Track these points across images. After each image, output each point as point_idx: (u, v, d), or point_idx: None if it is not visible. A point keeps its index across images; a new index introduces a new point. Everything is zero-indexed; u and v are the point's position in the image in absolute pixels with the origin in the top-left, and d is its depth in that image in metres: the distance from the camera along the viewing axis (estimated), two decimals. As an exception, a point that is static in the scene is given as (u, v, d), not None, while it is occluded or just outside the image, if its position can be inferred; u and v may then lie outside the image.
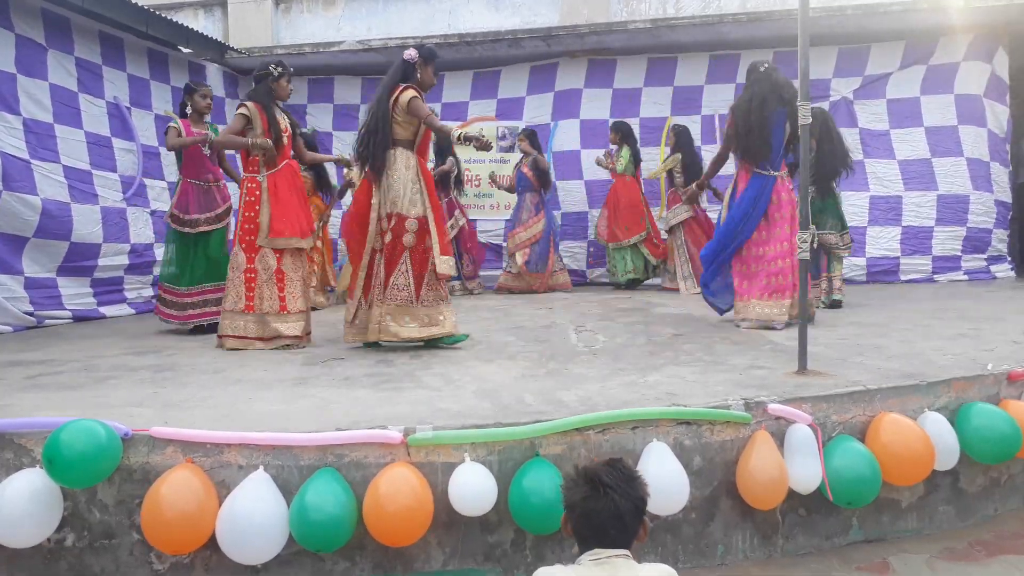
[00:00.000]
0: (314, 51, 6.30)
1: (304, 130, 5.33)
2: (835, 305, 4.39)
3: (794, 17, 2.69)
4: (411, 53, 3.22)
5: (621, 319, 4.11)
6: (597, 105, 6.41)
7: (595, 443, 1.97)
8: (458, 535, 1.91)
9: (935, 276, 5.85)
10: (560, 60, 6.48)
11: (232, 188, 4.34)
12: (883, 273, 5.91)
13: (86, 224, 4.74)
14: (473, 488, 1.83)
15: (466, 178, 6.33)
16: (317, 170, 5.18)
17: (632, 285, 5.93)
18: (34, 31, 4.54)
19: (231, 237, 4.29)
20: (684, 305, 4.69)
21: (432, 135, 3.39)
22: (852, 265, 5.84)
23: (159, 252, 5.40)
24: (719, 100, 6.24)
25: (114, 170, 5.10)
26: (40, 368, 2.97)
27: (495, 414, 2.05)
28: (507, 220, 6.13)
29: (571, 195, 6.47)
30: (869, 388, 2.20)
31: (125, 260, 5.09)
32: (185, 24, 5.96)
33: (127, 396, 2.40)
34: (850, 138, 5.82)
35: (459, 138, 3.07)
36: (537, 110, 6.51)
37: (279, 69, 3.50)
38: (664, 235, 5.93)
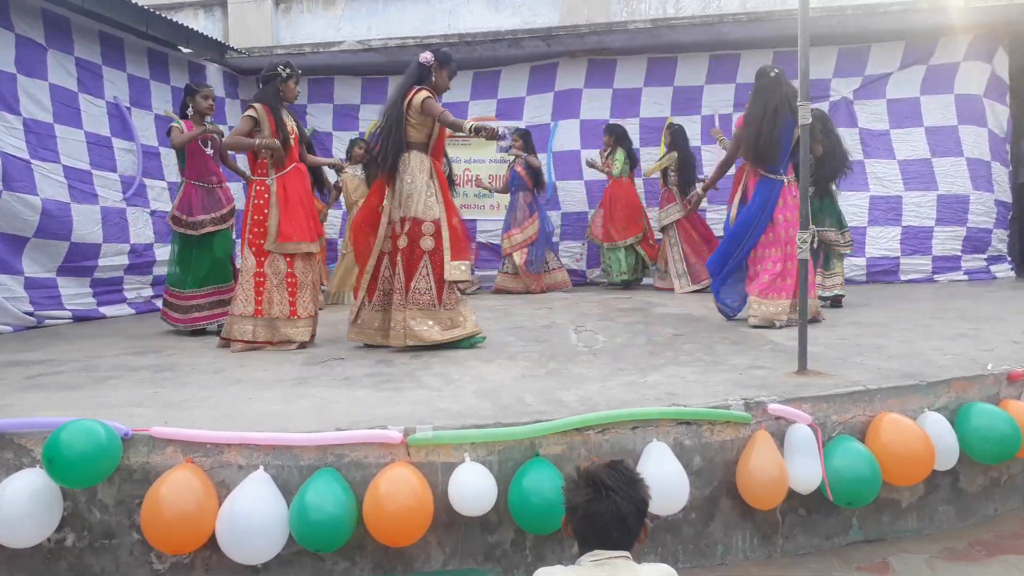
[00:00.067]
0: (314, 51, 6.30)
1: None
2: (837, 302, 4.39)
3: (794, 17, 2.70)
4: (427, 56, 3.21)
5: (621, 319, 4.11)
6: (597, 105, 6.41)
7: (595, 443, 1.97)
8: (458, 535, 1.91)
9: (935, 276, 5.85)
10: (560, 60, 6.48)
11: (235, 188, 4.34)
12: (883, 273, 5.92)
13: (86, 224, 4.74)
14: (473, 488, 1.83)
15: (467, 178, 6.33)
16: (314, 170, 5.19)
17: (628, 285, 5.94)
18: (34, 31, 4.54)
19: (235, 238, 4.30)
20: (684, 305, 4.69)
21: (446, 137, 3.38)
22: (852, 265, 5.85)
23: (159, 252, 5.40)
24: (719, 100, 6.24)
25: (114, 170, 5.10)
26: (40, 368, 2.97)
27: (495, 414, 2.05)
28: (503, 220, 6.13)
29: (571, 195, 6.47)
30: (869, 388, 2.20)
31: (125, 260, 5.08)
32: (185, 24, 5.95)
33: (127, 396, 2.40)
34: (850, 138, 5.83)
35: (471, 130, 3.04)
36: (537, 110, 6.51)
37: (287, 70, 3.47)
38: (657, 235, 5.94)
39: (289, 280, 3.37)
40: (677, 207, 5.71)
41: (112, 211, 5.00)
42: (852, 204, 5.89)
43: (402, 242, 3.15)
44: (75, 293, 4.74)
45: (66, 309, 4.63)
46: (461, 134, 3.28)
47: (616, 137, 5.87)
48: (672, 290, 5.65)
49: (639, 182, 6.16)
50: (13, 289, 4.32)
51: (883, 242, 5.94)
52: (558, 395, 2.27)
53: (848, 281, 4.82)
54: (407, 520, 1.78)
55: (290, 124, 3.51)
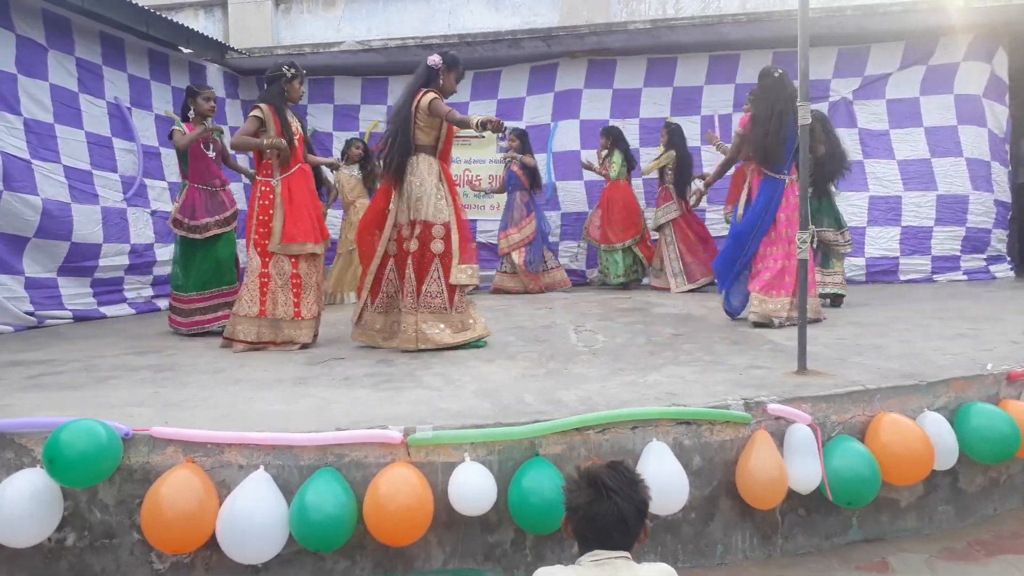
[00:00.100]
0: (314, 51, 6.30)
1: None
2: (836, 301, 4.40)
3: (794, 18, 2.70)
4: (435, 59, 3.21)
5: (621, 319, 4.12)
6: (597, 105, 6.42)
7: (595, 443, 1.97)
8: (458, 535, 1.92)
9: (934, 276, 5.86)
10: (560, 60, 6.48)
11: (235, 188, 4.33)
12: (882, 273, 5.92)
13: (86, 224, 4.74)
14: (472, 488, 1.83)
15: (467, 178, 6.34)
16: (314, 170, 5.18)
17: (626, 286, 5.95)
18: (35, 31, 4.54)
19: (238, 239, 4.28)
20: (684, 305, 4.69)
21: (454, 140, 3.37)
22: (851, 265, 5.85)
23: (159, 252, 5.41)
24: (718, 100, 6.25)
25: (115, 170, 5.10)
26: (41, 368, 2.97)
27: (495, 414, 2.05)
28: (499, 220, 6.13)
29: (571, 195, 6.48)
30: (868, 388, 2.21)
31: (125, 260, 5.09)
32: (185, 24, 5.96)
33: (127, 396, 2.40)
34: (849, 138, 5.84)
35: (478, 125, 3.02)
36: (537, 110, 6.52)
37: (292, 70, 3.46)
38: (653, 234, 5.96)
39: (294, 281, 3.36)
40: (674, 205, 5.73)
41: (113, 211, 5.01)
42: (852, 204, 5.90)
43: (412, 245, 3.14)
44: (76, 293, 4.75)
45: (67, 309, 4.63)
46: (469, 132, 3.25)
47: (613, 139, 5.89)
48: (668, 289, 5.67)
49: (639, 182, 6.17)
50: (14, 289, 4.33)
51: (882, 242, 5.95)
52: (558, 395, 2.28)
53: (847, 281, 4.83)
54: (407, 520, 1.78)
55: (294, 125, 3.51)
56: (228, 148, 4.20)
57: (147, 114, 5.48)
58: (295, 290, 3.35)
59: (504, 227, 5.93)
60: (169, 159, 5.64)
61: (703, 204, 6.22)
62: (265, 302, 3.34)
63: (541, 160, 6.53)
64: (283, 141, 3.38)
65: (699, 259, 5.71)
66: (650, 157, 6.17)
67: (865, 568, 2.00)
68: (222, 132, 4.15)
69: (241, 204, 4.53)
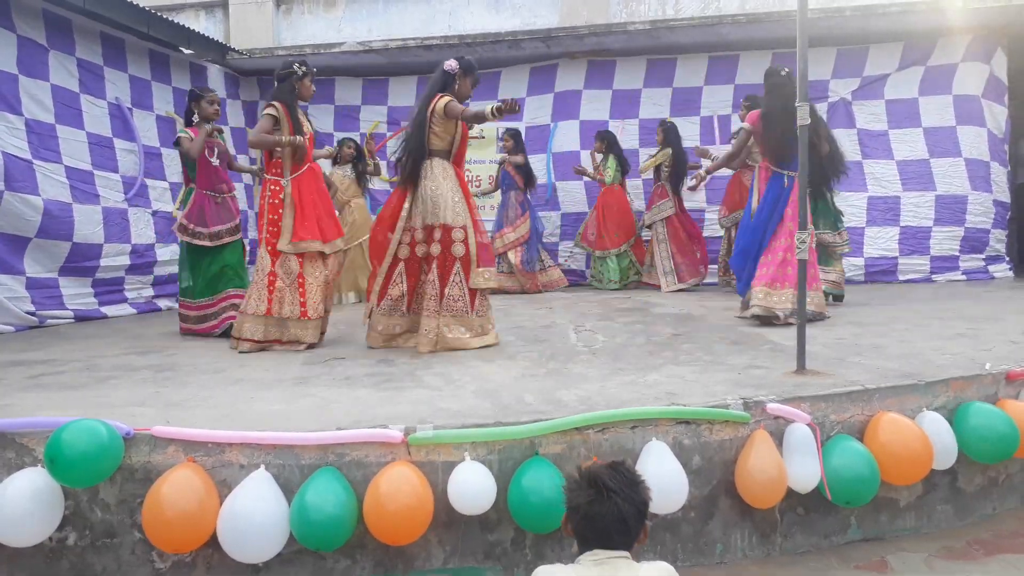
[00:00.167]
0: (315, 52, 6.31)
1: None
2: (837, 298, 4.42)
3: (793, 18, 2.71)
4: (451, 64, 3.22)
5: (620, 319, 4.12)
6: (597, 106, 6.43)
7: (594, 442, 1.97)
8: (458, 534, 1.92)
9: (933, 276, 5.87)
10: (560, 61, 6.49)
11: (237, 188, 4.30)
12: (881, 273, 5.93)
13: (87, 224, 4.75)
14: (472, 487, 1.84)
15: (467, 179, 6.33)
16: None
17: (624, 287, 5.98)
18: (35, 32, 4.55)
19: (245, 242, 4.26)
20: (684, 305, 4.70)
21: (467, 144, 3.38)
22: (850, 265, 5.85)
23: (160, 252, 5.42)
24: (718, 101, 6.26)
25: (116, 171, 5.11)
26: (42, 368, 2.98)
27: (495, 413, 2.06)
28: (494, 220, 6.15)
29: (571, 195, 6.49)
30: (867, 388, 2.21)
31: (126, 260, 5.09)
32: (186, 25, 5.97)
33: (128, 396, 2.41)
34: (848, 139, 5.85)
35: (493, 112, 3.00)
36: (537, 111, 6.53)
37: (303, 68, 3.44)
38: (646, 233, 5.99)
39: (300, 280, 3.35)
40: (669, 203, 5.77)
41: (114, 211, 5.02)
42: (850, 204, 5.91)
43: (435, 249, 3.14)
44: (76, 293, 4.75)
45: (68, 309, 4.64)
46: (487, 123, 3.20)
47: (608, 144, 5.93)
48: (658, 287, 5.71)
49: (639, 182, 6.18)
50: (15, 289, 4.33)
51: (881, 242, 5.95)
52: (558, 395, 2.28)
53: (846, 281, 4.84)
54: (407, 519, 1.78)
55: (305, 124, 3.50)
56: (230, 149, 4.18)
57: (148, 114, 5.49)
58: (301, 289, 3.34)
59: (499, 227, 5.95)
60: (170, 159, 5.65)
61: (702, 204, 6.22)
62: (272, 301, 3.33)
63: (541, 160, 6.54)
64: (300, 139, 3.38)
65: (689, 260, 5.77)
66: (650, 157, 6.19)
67: (864, 567, 2.01)
68: (220, 131, 4.13)
69: (242, 204, 4.52)
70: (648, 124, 6.34)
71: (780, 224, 3.67)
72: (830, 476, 2.00)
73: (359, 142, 5.89)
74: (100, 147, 5.00)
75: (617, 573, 1.22)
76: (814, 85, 5.27)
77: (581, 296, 5.54)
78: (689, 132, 6.30)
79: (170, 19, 5.55)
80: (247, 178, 6.12)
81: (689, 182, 5.74)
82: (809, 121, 2.55)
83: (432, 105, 3.17)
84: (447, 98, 3.16)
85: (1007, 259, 6.03)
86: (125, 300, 5.14)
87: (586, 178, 6.14)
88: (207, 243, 3.85)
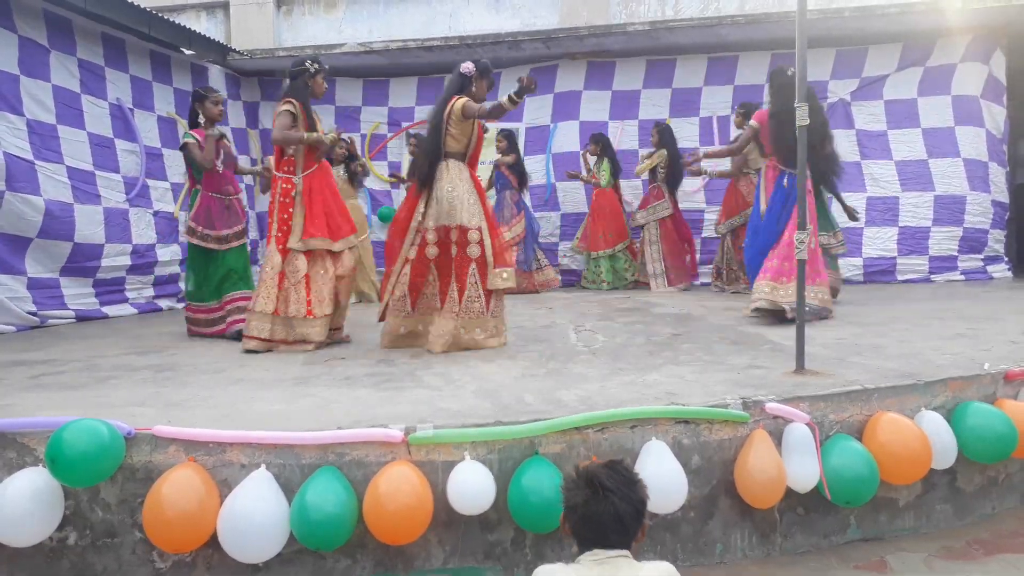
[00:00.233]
0: (315, 53, 6.29)
1: None
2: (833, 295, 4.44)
3: (792, 19, 2.72)
4: (468, 66, 3.23)
5: (620, 319, 4.13)
6: (596, 107, 6.44)
7: (594, 442, 1.98)
8: (458, 533, 1.93)
9: (932, 276, 5.87)
10: (560, 62, 6.50)
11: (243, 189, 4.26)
12: (880, 273, 5.93)
13: (89, 225, 4.75)
14: (471, 487, 1.84)
15: None
16: None
17: (614, 289, 6.02)
18: (36, 32, 4.56)
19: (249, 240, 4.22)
20: (684, 305, 4.70)
21: (482, 145, 3.38)
22: (849, 265, 5.87)
23: (161, 252, 5.42)
24: (717, 102, 6.27)
25: (117, 171, 5.11)
26: (43, 368, 2.98)
27: (495, 413, 2.06)
28: None
29: (571, 195, 6.50)
30: (867, 387, 2.22)
31: (127, 260, 5.10)
32: (187, 26, 5.97)
33: (129, 396, 2.41)
34: (847, 139, 5.86)
35: (510, 100, 3.00)
36: (537, 112, 6.54)
37: (315, 66, 3.42)
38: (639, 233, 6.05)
39: (307, 278, 3.33)
40: (665, 204, 5.81)
41: (115, 212, 5.02)
42: (849, 205, 5.91)
43: (452, 250, 3.15)
44: (77, 293, 4.75)
45: (69, 309, 4.64)
46: (508, 109, 3.10)
47: (602, 146, 5.97)
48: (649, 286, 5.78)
49: (638, 183, 6.19)
50: (16, 289, 4.34)
51: (880, 242, 5.96)
52: (558, 394, 2.29)
53: (845, 281, 4.85)
54: (407, 518, 1.79)
55: (318, 121, 3.49)
56: (233, 151, 4.16)
57: (149, 115, 5.50)
58: (307, 288, 3.32)
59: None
60: (171, 160, 5.66)
61: (701, 204, 6.24)
62: (279, 299, 3.31)
63: (541, 161, 6.56)
64: (323, 136, 3.37)
65: (679, 263, 5.84)
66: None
67: (864, 567, 2.01)
68: (224, 136, 4.10)
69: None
70: (648, 125, 6.35)
71: (789, 221, 3.71)
72: (829, 476, 2.01)
73: (359, 142, 5.88)
74: (101, 147, 5.00)
75: (618, 572, 1.22)
76: (813, 86, 5.26)
77: (581, 296, 5.55)
78: (688, 133, 6.32)
79: (171, 20, 5.56)
80: (247, 179, 6.12)
81: (692, 162, 5.74)
82: (808, 122, 2.56)
83: (449, 107, 3.17)
84: (464, 99, 3.17)
85: (1006, 259, 6.04)
86: (126, 300, 5.15)
87: (579, 181, 6.17)
88: (215, 246, 3.81)
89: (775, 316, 3.63)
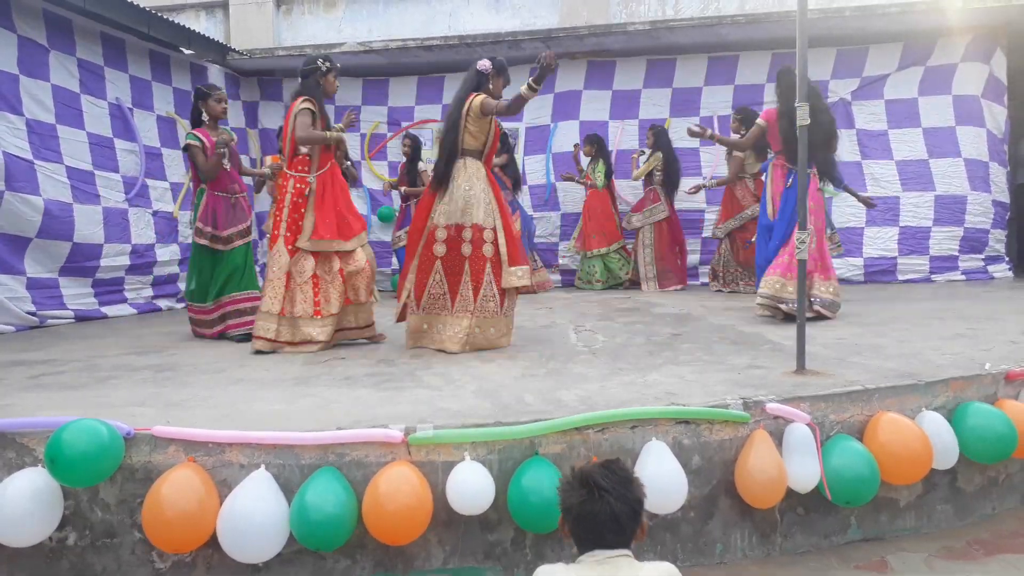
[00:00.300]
0: (315, 53, 6.31)
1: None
2: None
3: (792, 19, 2.71)
4: (485, 64, 3.22)
5: (620, 319, 4.13)
6: (596, 107, 6.44)
7: (594, 442, 1.98)
8: (458, 533, 1.92)
9: (932, 276, 5.87)
10: (560, 62, 6.48)
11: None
12: (880, 273, 5.93)
13: (88, 224, 4.75)
14: (470, 487, 1.84)
15: None
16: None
17: (616, 287, 6.04)
18: (36, 32, 4.55)
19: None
20: (684, 305, 4.70)
21: (498, 143, 3.36)
22: (849, 265, 5.87)
23: (160, 252, 5.42)
24: (718, 101, 6.27)
25: (116, 171, 5.11)
26: (42, 368, 2.98)
27: (495, 413, 2.06)
28: None
29: (571, 195, 6.50)
30: (867, 388, 2.21)
31: (126, 260, 5.10)
32: (187, 25, 5.97)
33: (129, 396, 2.41)
34: (848, 139, 5.86)
35: (529, 88, 2.98)
36: (537, 111, 6.53)
37: (327, 64, 3.40)
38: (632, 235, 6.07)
39: (315, 279, 3.31)
40: (661, 206, 5.84)
41: (114, 211, 5.02)
42: (850, 205, 5.90)
43: (465, 249, 3.13)
44: (77, 293, 4.75)
45: (68, 309, 4.64)
46: (529, 98, 3.07)
47: (597, 148, 5.99)
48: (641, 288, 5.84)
49: (637, 185, 6.19)
50: (15, 289, 4.33)
51: (880, 242, 5.96)
52: (558, 395, 2.28)
53: (846, 281, 4.86)
54: (406, 519, 1.78)
55: (330, 119, 3.48)
56: (238, 152, 4.13)
57: (148, 115, 5.50)
58: (315, 288, 3.30)
59: None
60: (170, 160, 5.65)
61: (702, 204, 6.24)
62: (286, 299, 3.29)
63: (541, 161, 6.56)
64: (343, 136, 3.35)
65: (672, 266, 5.88)
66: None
67: (864, 567, 2.01)
68: (235, 139, 4.06)
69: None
70: (648, 124, 6.36)
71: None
72: (830, 476, 2.01)
73: (359, 142, 5.86)
74: (101, 147, 5.00)
75: (618, 572, 1.22)
76: (814, 85, 5.27)
77: (581, 296, 5.55)
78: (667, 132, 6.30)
79: (170, 19, 5.55)
80: (247, 179, 6.10)
81: (689, 187, 5.81)
82: (808, 121, 2.56)
83: (467, 104, 3.16)
84: (481, 96, 3.16)
85: (1006, 259, 6.04)
86: (125, 300, 5.14)
87: (575, 182, 6.19)
88: (221, 247, 3.78)
89: (785, 314, 3.64)
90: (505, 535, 1.94)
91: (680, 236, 5.96)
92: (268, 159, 5.51)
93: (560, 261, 6.49)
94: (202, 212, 3.78)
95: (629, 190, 6.29)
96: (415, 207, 5.89)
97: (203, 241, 3.77)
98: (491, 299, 3.16)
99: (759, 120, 4.15)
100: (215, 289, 3.81)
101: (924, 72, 5.98)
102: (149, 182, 5.39)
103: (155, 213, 5.41)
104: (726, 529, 2.06)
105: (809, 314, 3.72)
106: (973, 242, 5.88)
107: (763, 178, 5.32)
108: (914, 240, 5.93)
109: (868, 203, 4.62)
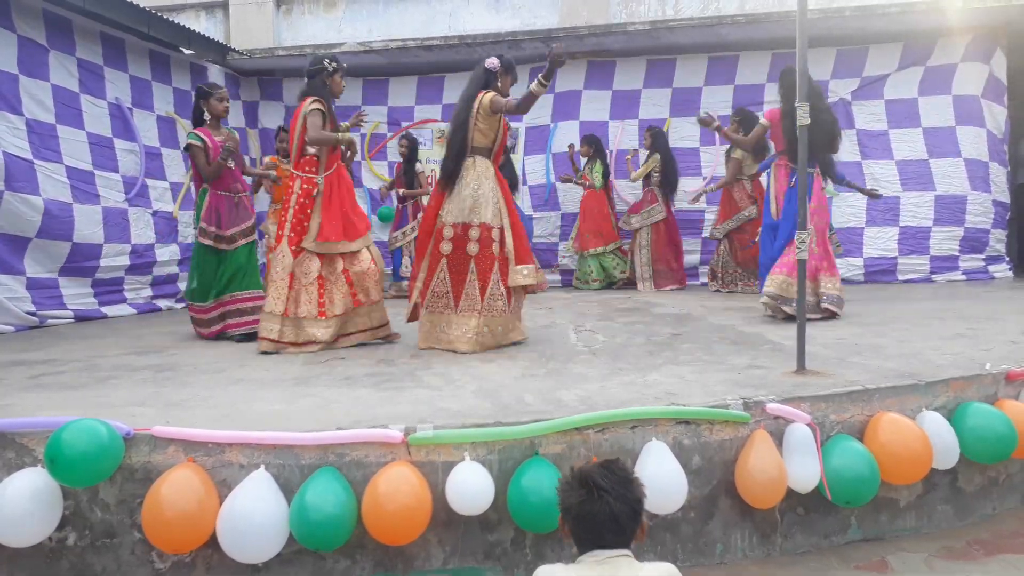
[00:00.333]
0: (315, 53, 6.29)
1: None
2: None
3: (792, 19, 2.71)
4: (493, 62, 3.22)
5: (620, 319, 4.13)
6: (596, 106, 6.44)
7: (594, 442, 1.98)
8: (458, 533, 1.92)
9: (933, 276, 5.87)
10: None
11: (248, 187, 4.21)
12: (880, 273, 5.93)
13: (88, 224, 4.75)
14: (470, 487, 1.84)
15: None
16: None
17: (611, 286, 6.06)
18: (36, 32, 4.55)
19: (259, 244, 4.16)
20: (684, 305, 4.70)
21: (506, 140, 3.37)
22: (850, 265, 5.87)
23: (160, 252, 5.42)
24: (718, 101, 6.27)
25: (116, 170, 5.11)
26: (42, 368, 2.98)
27: (495, 413, 2.06)
28: None
29: (571, 195, 6.50)
30: (867, 388, 2.21)
31: (126, 260, 5.10)
32: (186, 25, 5.97)
33: (128, 396, 2.41)
34: (848, 139, 5.85)
35: (540, 83, 2.98)
36: (537, 111, 6.49)
37: (333, 64, 3.39)
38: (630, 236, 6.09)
39: (320, 280, 3.30)
40: (659, 207, 5.86)
41: (114, 211, 5.02)
42: (850, 204, 5.92)
43: (472, 248, 3.12)
44: (76, 293, 4.75)
45: (68, 309, 4.64)
46: (539, 94, 3.06)
47: (595, 148, 6.00)
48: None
49: (636, 186, 6.20)
50: (15, 289, 4.33)
51: (881, 242, 5.96)
52: (558, 395, 2.28)
53: (846, 281, 4.86)
54: (405, 519, 1.78)
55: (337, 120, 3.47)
56: (240, 152, 4.11)
57: (148, 115, 5.50)
58: (320, 288, 3.29)
59: None
60: (170, 159, 5.65)
61: (702, 204, 6.25)
62: (289, 300, 3.28)
63: (540, 161, 6.55)
64: (354, 138, 3.35)
65: (668, 267, 5.90)
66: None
67: (864, 567, 2.01)
68: (238, 141, 4.00)
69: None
70: (648, 124, 6.36)
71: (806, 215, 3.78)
72: (830, 476, 2.00)
73: (359, 142, 5.85)
74: (100, 147, 5.00)
75: (618, 573, 1.22)
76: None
77: (580, 296, 5.55)
78: (689, 132, 6.32)
79: (170, 19, 5.56)
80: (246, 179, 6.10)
81: (688, 196, 5.83)
82: (808, 121, 2.56)
83: (477, 102, 3.15)
84: (491, 94, 3.16)
85: (1007, 259, 6.04)
86: (125, 300, 5.14)
87: (573, 183, 6.19)
88: (225, 246, 3.76)
89: (787, 314, 3.65)
90: (505, 535, 1.94)
91: (677, 237, 5.99)
92: (267, 159, 5.51)
93: (560, 261, 6.49)
94: (205, 212, 3.77)
95: (629, 190, 6.30)
96: (411, 208, 5.95)
97: (207, 241, 3.76)
98: (499, 298, 3.16)
99: (762, 119, 4.16)
100: (217, 288, 3.79)
101: (924, 72, 5.98)
102: (149, 182, 5.39)
103: (155, 213, 5.41)
104: (726, 529, 2.06)
105: (818, 314, 3.76)
106: (973, 242, 5.88)
107: (761, 180, 5.38)
108: (914, 240, 5.93)
109: (873, 194, 4.58)
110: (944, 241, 5.88)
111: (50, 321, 4.50)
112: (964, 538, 2.17)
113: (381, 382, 2.58)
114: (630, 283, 6.00)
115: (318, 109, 3.30)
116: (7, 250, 4.31)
